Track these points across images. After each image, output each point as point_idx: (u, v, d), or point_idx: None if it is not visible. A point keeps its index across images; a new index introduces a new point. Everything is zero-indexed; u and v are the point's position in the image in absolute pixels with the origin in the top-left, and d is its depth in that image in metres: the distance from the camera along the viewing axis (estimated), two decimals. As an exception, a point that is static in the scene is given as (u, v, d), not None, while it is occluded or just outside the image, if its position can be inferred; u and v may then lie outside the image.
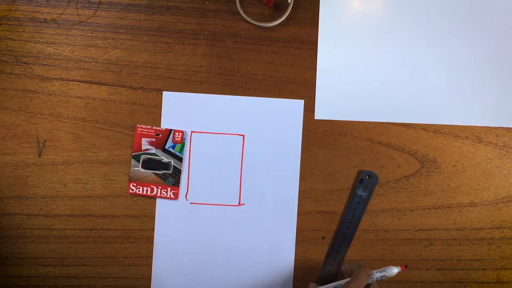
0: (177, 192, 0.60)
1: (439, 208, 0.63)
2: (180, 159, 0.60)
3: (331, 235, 0.62)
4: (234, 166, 0.62)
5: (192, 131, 0.62)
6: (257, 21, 0.62)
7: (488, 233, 0.63)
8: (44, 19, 0.62)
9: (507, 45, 0.63)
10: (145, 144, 0.60)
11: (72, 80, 0.62)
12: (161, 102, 0.62)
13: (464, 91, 0.63)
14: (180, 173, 0.60)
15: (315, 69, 0.63)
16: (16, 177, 0.61)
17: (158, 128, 0.60)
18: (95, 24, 0.62)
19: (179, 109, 0.62)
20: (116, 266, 0.62)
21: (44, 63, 0.62)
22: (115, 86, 0.62)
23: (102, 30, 0.62)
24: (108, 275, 0.62)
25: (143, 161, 0.60)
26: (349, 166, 0.63)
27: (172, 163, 0.60)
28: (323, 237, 0.62)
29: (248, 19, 0.61)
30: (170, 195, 0.60)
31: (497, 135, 0.63)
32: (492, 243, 0.63)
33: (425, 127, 0.63)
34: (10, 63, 0.62)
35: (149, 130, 0.60)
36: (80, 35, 0.62)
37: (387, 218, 0.63)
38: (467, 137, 0.63)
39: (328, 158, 0.62)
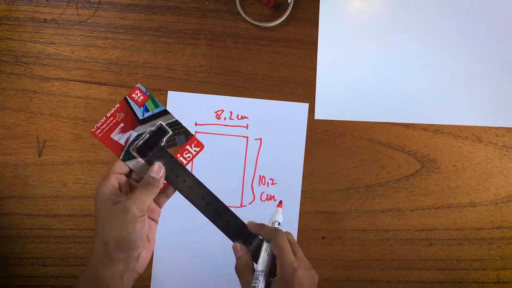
0: (198, 141, 0.48)
1: (439, 208, 0.63)
2: (165, 112, 0.48)
3: (331, 235, 0.62)
4: (237, 167, 0.62)
5: (196, 132, 0.62)
6: (257, 21, 0.62)
7: (488, 233, 0.63)
8: (44, 19, 0.62)
9: (507, 45, 0.63)
10: (120, 137, 0.47)
11: (72, 80, 0.62)
12: (161, 102, 0.62)
13: (464, 91, 0.63)
14: (179, 123, 0.48)
15: (315, 69, 0.63)
16: (16, 177, 0.61)
17: (111, 111, 0.47)
18: (95, 24, 0.62)
19: (183, 109, 0.62)
20: (116, 266, 0.62)
21: (44, 63, 0.62)
22: (115, 86, 0.62)
23: (102, 30, 0.62)
24: (108, 275, 0.62)
25: (138, 150, 0.47)
26: (349, 166, 0.63)
27: (163, 123, 0.48)
28: (323, 237, 0.62)
29: (248, 19, 0.61)
30: (195, 149, 0.48)
31: (497, 135, 0.63)
32: (492, 243, 0.63)
33: (425, 127, 0.63)
34: (10, 63, 0.62)
35: (108, 122, 0.47)
36: (80, 35, 0.62)
37: (387, 218, 0.63)
38: (467, 137, 0.63)
39: (328, 158, 0.62)
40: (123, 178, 0.47)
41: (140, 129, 0.47)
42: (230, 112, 0.62)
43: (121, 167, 0.47)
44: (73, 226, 0.62)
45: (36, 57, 0.62)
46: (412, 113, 0.63)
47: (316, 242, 0.62)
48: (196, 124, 0.62)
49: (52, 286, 0.62)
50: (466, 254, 0.63)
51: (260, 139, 0.62)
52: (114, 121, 0.47)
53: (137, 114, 0.48)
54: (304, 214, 0.62)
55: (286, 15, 0.61)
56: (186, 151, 0.48)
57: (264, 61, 0.63)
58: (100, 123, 0.47)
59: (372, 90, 0.63)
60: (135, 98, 0.48)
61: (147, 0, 0.62)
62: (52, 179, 0.62)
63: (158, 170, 0.46)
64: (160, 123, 0.48)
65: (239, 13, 0.62)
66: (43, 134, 0.62)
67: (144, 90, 0.48)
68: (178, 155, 0.48)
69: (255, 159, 0.62)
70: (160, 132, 0.48)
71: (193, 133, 0.49)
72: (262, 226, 0.49)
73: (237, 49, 0.63)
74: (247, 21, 0.62)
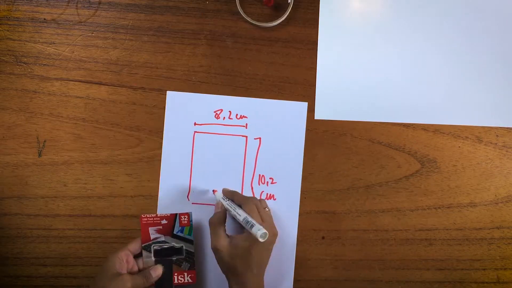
0: (194, 276, 0.59)
1: (439, 208, 0.63)
2: (191, 242, 0.59)
3: (331, 235, 0.62)
4: (236, 167, 0.62)
5: (195, 131, 0.62)
6: (257, 21, 0.62)
7: (488, 233, 0.63)
8: (44, 19, 0.62)
9: (507, 45, 0.63)
10: (153, 233, 0.59)
11: (72, 80, 0.62)
12: (161, 102, 0.62)
13: (464, 91, 0.63)
14: (193, 256, 0.59)
15: (315, 69, 0.63)
16: (16, 177, 0.61)
17: (163, 215, 0.59)
18: (95, 24, 0.62)
19: (183, 109, 0.62)
20: (116, 266, 0.62)
21: (44, 63, 0.62)
22: (115, 86, 0.62)
23: (102, 30, 0.62)
24: (108, 275, 0.62)
25: (155, 250, 0.58)
26: (349, 166, 0.63)
27: (184, 247, 0.59)
28: (323, 237, 0.62)
29: (248, 19, 0.61)
30: (187, 279, 0.59)
31: (497, 135, 0.63)
32: (492, 243, 0.63)
33: (425, 127, 0.63)
34: (10, 63, 0.62)
35: (155, 219, 0.59)
36: (80, 35, 0.62)
37: (387, 218, 0.63)
38: (467, 137, 0.63)
39: (328, 158, 0.62)
40: (131, 257, 0.57)
41: (168, 239, 0.59)
42: (229, 111, 0.62)
43: (136, 249, 0.58)
44: (73, 226, 0.62)
45: (36, 57, 0.62)
46: (412, 113, 0.63)
47: (316, 242, 0.62)
48: (195, 124, 0.62)
49: (52, 286, 0.62)
50: (466, 254, 0.63)
51: (259, 138, 0.62)
52: (158, 220, 0.59)
53: (174, 228, 0.59)
54: (304, 214, 0.62)
55: (286, 15, 0.61)
56: (182, 276, 0.59)
57: (264, 61, 0.63)
58: (151, 216, 0.59)
59: (372, 90, 0.63)
60: (182, 219, 0.60)
61: (147, 0, 0.62)
62: (52, 179, 0.62)
63: (158, 273, 0.57)
64: (182, 245, 0.59)
65: (239, 13, 0.62)
66: (43, 134, 0.62)
67: (191, 218, 0.60)
68: (175, 274, 0.59)
69: (255, 158, 0.62)
70: (178, 250, 0.59)
71: (193, 239, 0.60)
72: (234, 192, 0.59)
73: (237, 49, 0.63)
74: (247, 21, 0.62)
